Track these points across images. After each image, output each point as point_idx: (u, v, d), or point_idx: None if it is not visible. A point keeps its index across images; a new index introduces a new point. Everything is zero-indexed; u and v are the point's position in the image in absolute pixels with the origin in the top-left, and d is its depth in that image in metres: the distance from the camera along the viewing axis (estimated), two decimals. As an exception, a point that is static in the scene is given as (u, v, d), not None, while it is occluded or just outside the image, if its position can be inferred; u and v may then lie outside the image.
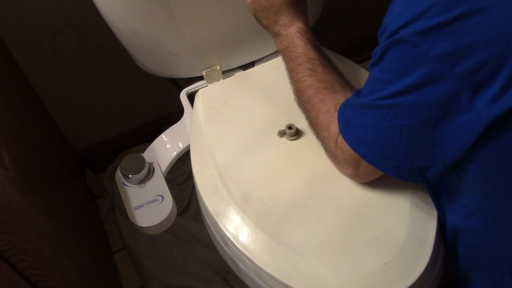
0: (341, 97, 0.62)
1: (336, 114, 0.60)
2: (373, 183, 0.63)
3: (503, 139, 0.46)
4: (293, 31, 0.68)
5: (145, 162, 0.76)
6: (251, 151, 0.72)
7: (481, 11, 0.43)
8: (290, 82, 0.69)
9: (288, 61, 0.69)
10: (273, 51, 0.89)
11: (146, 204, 0.74)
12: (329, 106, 0.62)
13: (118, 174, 0.77)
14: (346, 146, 0.58)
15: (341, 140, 0.59)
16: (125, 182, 0.76)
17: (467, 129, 0.47)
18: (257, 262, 0.60)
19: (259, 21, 0.72)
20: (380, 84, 0.52)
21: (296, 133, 0.72)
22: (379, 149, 0.55)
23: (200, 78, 0.87)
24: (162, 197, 0.74)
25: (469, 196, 0.55)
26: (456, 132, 0.48)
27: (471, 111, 0.46)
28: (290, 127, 0.72)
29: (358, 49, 1.36)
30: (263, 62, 0.88)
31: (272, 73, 0.84)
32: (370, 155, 0.56)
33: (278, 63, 0.85)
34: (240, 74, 0.87)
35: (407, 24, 0.47)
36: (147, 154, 0.81)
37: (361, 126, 0.55)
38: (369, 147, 0.56)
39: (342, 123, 0.58)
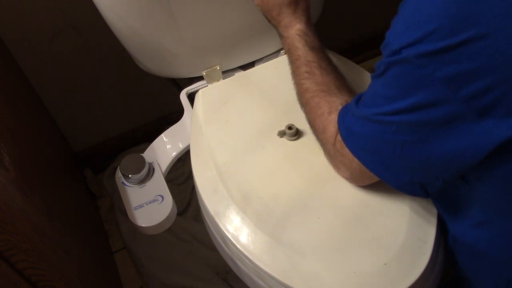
0: (336, 100, 0.62)
1: (330, 117, 0.60)
2: (373, 184, 0.63)
3: (508, 162, 0.46)
4: (292, 33, 0.68)
5: (145, 162, 0.76)
6: (251, 151, 0.72)
7: (488, 36, 0.42)
8: (293, 83, 0.70)
9: (290, 63, 0.70)
10: (273, 51, 0.89)
11: (146, 204, 0.74)
12: (324, 109, 0.62)
13: (118, 174, 0.77)
14: (346, 151, 0.58)
15: (340, 144, 0.59)
16: (125, 182, 0.76)
17: (469, 152, 0.47)
18: (257, 262, 0.61)
19: (269, 21, 0.72)
20: (382, 98, 0.51)
21: (296, 133, 0.72)
22: (380, 159, 0.54)
23: (200, 78, 0.87)
24: (162, 197, 0.74)
25: (476, 208, 0.54)
26: (458, 153, 0.47)
27: (474, 135, 0.45)
28: (290, 127, 0.72)
29: (358, 49, 1.36)
30: (263, 62, 0.88)
31: (272, 73, 0.84)
32: (372, 163, 0.56)
33: (278, 63, 0.85)
34: (240, 74, 0.87)
35: (411, 45, 0.46)
36: (147, 154, 0.81)
37: (362, 137, 0.55)
38: (371, 155, 0.55)
39: (343, 130, 0.58)
